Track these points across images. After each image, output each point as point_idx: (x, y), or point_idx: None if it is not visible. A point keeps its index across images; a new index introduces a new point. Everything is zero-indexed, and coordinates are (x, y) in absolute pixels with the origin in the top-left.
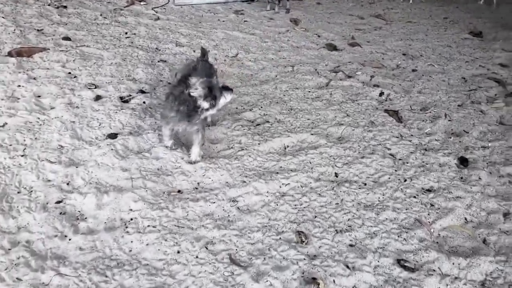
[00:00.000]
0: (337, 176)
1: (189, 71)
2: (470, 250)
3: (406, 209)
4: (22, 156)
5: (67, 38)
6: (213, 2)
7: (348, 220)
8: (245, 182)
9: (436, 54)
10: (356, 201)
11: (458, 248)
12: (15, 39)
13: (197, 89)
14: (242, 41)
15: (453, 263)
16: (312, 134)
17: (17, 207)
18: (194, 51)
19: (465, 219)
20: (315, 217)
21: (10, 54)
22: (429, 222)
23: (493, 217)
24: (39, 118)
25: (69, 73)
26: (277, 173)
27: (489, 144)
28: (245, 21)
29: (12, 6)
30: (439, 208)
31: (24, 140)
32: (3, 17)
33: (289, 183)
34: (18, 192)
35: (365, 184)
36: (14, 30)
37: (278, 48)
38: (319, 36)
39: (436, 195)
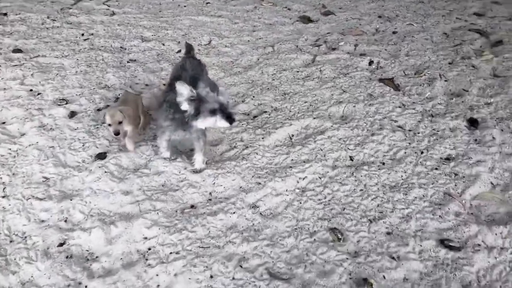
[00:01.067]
0: (352, 160)
1: (177, 72)
2: (506, 215)
3: (432, 184)
4: (3, 197)
5: (17, 50)
6: None
7: (378, 206)
8: (260, 183)
9: (411, 12)
10: (380, 184)
11: (495, 216)
12: None
13: (181, 94)
14: (211, 25)
15: (496, 234)
16: (314, 118)
17: (15, 259)
18: (163, 45)
19: (492, 183)
20: (344, 209)
21: None
22: (458, 194)
23: None
24: (10, 149)
25: (31, 90)
26: (291, 167)
27: (491, 100)
28: (207, 3)
29: None
30: (463, 177)
31: (1, 177)
32: None
33: (306, 176)
34: (11, 241)
35: (384, 164)
36: None
37: (251, 28)
38: (289, 9)
39: (457, 163)
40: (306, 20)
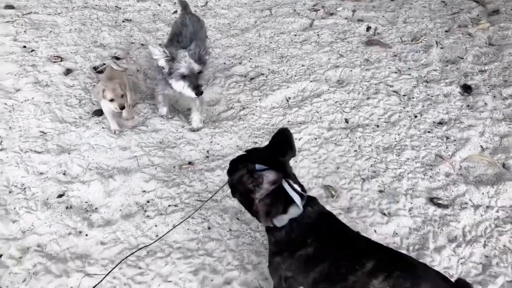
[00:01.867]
0: (347, 122)
1: (178, 28)
2: (494, 177)
3: (425, 146)
4: (0, 150)
5: (9, 7)
6: None
7: (371, 166)
8: (256, 143)
9: None
10: (374, 145)
11: (482, 177)
12: None
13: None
14: None
15: (482, 193)
16: (311, 81)
17: (14, 208)
18: (159, 5)
19: (481, 147)
20: (338, 168)
21: None
22: (449, 156)
23: (506, 140)
24: (6, 104)
25: (24, 46)
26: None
27: (486, 68)
28: None
29: None
30: (455, 140)
31: None
32: None
33: (302, 137)
34: (10, 192)
35: (378, 126)
36: None
37: None
38: None
39: (449, 127)
40: None
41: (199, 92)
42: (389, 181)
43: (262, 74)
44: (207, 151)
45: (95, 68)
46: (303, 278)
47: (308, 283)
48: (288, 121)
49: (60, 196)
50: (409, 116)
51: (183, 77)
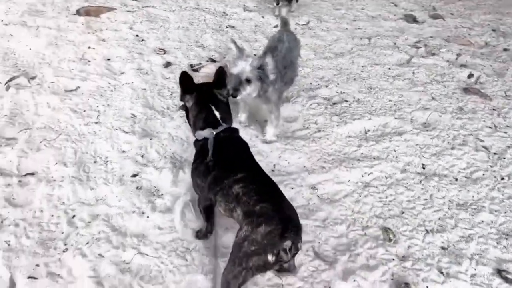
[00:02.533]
0: (424, 168)
1: (274, 43)
2: None
3: (505, 213)
4: (96, 123)
5: None
6: None
7: (439, 219)
8: (324, 168)
9: None
10: (448, 198)
11: None
12: None
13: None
14: (313, 7)
15: None
16: (395, 118)
17: (94, 177)
18: (263, 17)
19: None
20: (403, 213)
21: (78, 13)
22: None
23: None
24: (110, 84)
25: (137, 35)
26: (359, 160)
27: None
28: None
29: None
30: None
31: (97, 106)
32: None
33: (372, 173)
34: (95, 162)
35: (457, 180)
36: None
37: (352, 17)
38: (396, 5)
39: None
40: (411, 19)
41: (233, 94)
42: (455, 240)
43: (346, 101)
44: (274, 165)
45: (191, 66)
46: (204, 182)
47: (207, 185)
48: (362, 153)
49: (134, 176)
50: (495, 177)
51: (230, 75)
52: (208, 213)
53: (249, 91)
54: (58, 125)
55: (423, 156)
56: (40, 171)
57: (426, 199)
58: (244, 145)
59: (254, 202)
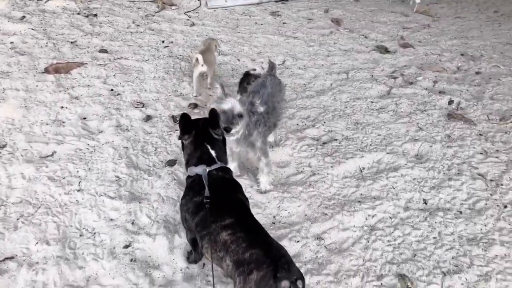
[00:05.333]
0: (426, 203)
1: (257, 88)
2: None
3: None
4: (78, 191)
5: (103, 51)
6: (247, 4)
7: (453, 258)
8: (326, 214)
9: (498, 53)
10: (457, 234)
11: None
12: (49, 53)
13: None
14: (286, 46)
15: None
16: (387, 153)
17: (82, 254)
18: (238, 60)
19: None
20: (415, 255)
21: (47, 70)
22: None
23: None
24: (88, 145)
25: (112, 90)
26: (360, 202)
27: None
28: (283, 23)
29: (40, 16)
30: None
31: (77, 171)
32: (32, 29)
33: (375, 214)
34: (81, 235)
35: (461, 213)
36: (47, 43)
37: (326, 52)
38: (366, 37)
39: None
40: (383, 50)
41: (226, 130)
42: (474, 280)
43: (336, 139)
44: (274, 217)
45: (173, 117)
46: (192, 220)
47: (194, 224)
48: (361, 194)
49: (126, 246)
50: (498, 206)
51: (222, 112)
52: (195, 244)
53: (241, 126)
54: (35, 197)
55: (422, 190)
56: (19, 254)
57: (435, 237)
58: (236, 186)
59: (243, 250)
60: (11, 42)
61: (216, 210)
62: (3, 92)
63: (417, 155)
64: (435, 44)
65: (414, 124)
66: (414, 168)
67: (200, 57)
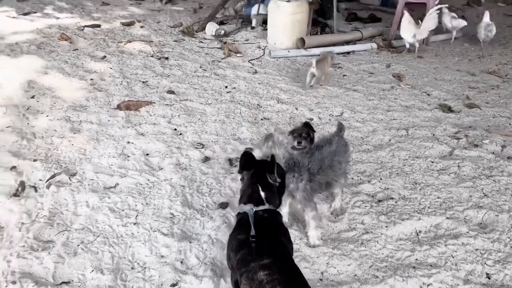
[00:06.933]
0: (489, 278)
1: (321, 143)
2: None
3: None
4: (134, 224)
5: (171, 92)
6: (308, 55)
7: None
8: (377, 277)
9: None
10: None
11: None
12: (123, 91)
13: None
14: (345, 98)
15: None
16: (447, 218)
17: (132, 287)
18: (296, 109)
19: None
20: None
21: (119, 107)
22: None
23: None
24: (149, 180)
25: (175, 129)
26: (414, 267)
27: None
28: (344, 75)
29: (119, 57)
30: None
31: (136, 205)
32: (111, 68)
33: (431, 283)
34: (132, 268)
35: None
36: (122, 81)
37: (386, 107)
38: (428, 95)
39: None
40: (447, 109)
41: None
42: None
43: (392, 198)
44: (322, 273)
45: (229, 160)
46: (234, 258)
47: (235, 261)
48: (417, 259)
49: (174, 285)
50: None
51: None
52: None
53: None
54: (96, 226)
55: (486, 263)
56: (75, 279)
57: None
58: (280, 229)
59: None
60: (91, 79)
61: (256, 249)
62: (79, 124)
63: (481, 223)
64: (504, 106)
65: (479, 190)
66: (477, 237)
67: (314, 61)
